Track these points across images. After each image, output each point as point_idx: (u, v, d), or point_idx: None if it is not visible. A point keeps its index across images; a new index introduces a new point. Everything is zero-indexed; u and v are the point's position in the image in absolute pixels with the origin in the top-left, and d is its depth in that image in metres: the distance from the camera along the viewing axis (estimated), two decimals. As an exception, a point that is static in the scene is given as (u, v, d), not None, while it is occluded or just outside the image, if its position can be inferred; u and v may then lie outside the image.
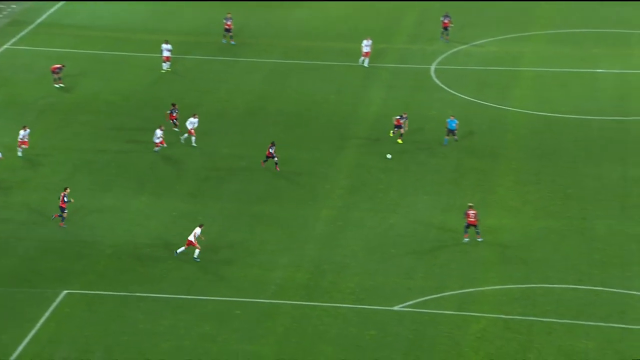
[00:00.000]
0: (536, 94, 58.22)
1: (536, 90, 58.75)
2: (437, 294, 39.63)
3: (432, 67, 62.12)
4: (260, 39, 66.85)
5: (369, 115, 56.09)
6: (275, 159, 49.05)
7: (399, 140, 51.36)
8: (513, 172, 49.65)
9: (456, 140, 51.92)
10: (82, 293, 40.09)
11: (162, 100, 58.14)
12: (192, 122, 52.06)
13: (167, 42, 61.80)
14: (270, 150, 49.11)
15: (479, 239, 42.77)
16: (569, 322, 37.62)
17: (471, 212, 42.82)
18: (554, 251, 42.63)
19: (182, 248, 42.12)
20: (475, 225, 42.80)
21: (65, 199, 44.19)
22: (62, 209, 44.36)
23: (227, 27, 65.38)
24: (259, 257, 42.72)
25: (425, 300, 39.27)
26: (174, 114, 52.98)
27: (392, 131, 51.56)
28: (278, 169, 49.03)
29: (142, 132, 53.81)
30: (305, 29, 68.91)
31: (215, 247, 43.42)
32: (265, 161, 49.44)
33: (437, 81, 60.29)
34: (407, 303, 39.07)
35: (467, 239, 42.81)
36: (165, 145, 51.01)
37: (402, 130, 51.46)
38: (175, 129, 52.64)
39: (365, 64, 61.57)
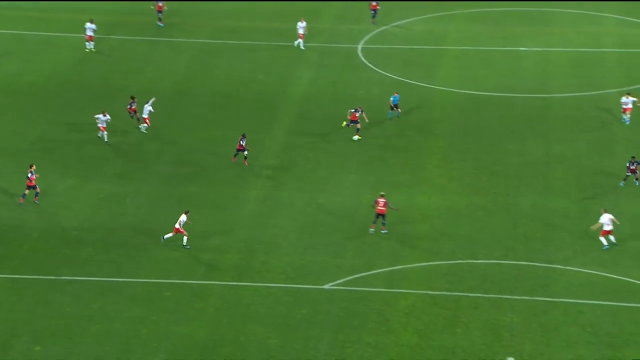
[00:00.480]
0: (461, 72, 58.80)
1: (461, 69, 59.33)
2: (366, 271, 39.84)
3: (359, 47, 62.21)
4: (187, 19, 66.04)
5: (298, 95, 55.97)
6: (245, 152, 47.39)
7: (358, 137, 49.74)
8: (440, 149, 50.13)
9: (390, 119, 51.90)
10: (8, 277, 39.27)
11: (86, 81, 57.11)
12: (147, 109, 50.22)
13: (92, 22, 60.61)
14: (241, 142, 47.29)
15: (383, 231, 41.96)
16: (494, 296, 38.22)
17: (381, 200, 41.92)
18: (480, 227, 43.22)
19: (170, 234, 41.42)
20: (383, 215, 41.99)
21: (30, 175, 43.71)
22: (33, 187, 43.88)
23: (158, 8, 64.37)
24: (189, 239, 42.39)
25: (355, 278, 39.47)
26: (134, 107, 50.94)
27: (345, 123, 49.82)
28: (246, 163, 47.50)
29: (67, 114, 52.80)
30: (233, 8, 68.30)
31: (144, 228, 42.92)
32: (235, 155, 47.62)
33: (364, 60, 60.42)
34: (337, 281, 39.21)
35: (372, 230, 41.92)
36: (105, 132, 49.59)
37: (358, 125, 49.59)
38: (141, 127, 50.38)
39: (301, 46, 61.30)
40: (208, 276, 39.80)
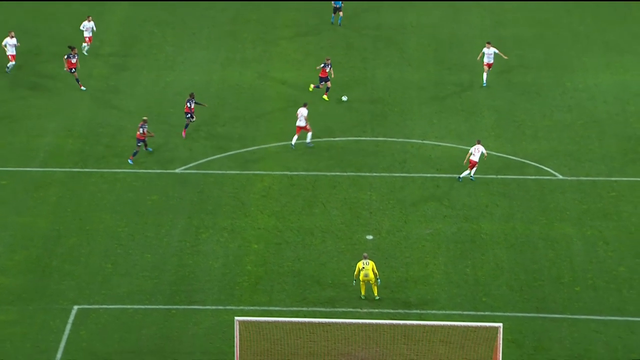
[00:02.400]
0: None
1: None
2: (220, 153, 39.32)
3: None
4: None
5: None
6: (193, 119, 39.42)
7: (325, 97, 42.58)
8: (293, 23, 49.36)
9: (332, 24, 48.24)
10: None
11: None
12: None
13: None
14: (189, 104, 39.37)
15: (130, 161, 37.92)
16: (353, 174, 38.51)
17: (141, 127, 38.00)
18: (336, 103, 43.12)
19: (295, 137, 38.60)
20: (142, 140, 38.27)
21: None
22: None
23: None
24: (24, 123, 40.62)
25: (209, 160, 38.93)
26: (73, 61, 41.81)
27: (313, 85, 42.69)
28: (185, 133, 39.60)
29: None
30: None
31: (-26, 114, 40.94)
32: (186, 125, 39.70)
33: None
34: (190, 165, 38.62)
35: (131, 161, 38.07)
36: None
37: (328, 84, 42.37)
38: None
39: None
40: (48, 163, 38.45)
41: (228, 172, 38.25)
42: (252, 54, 46.38)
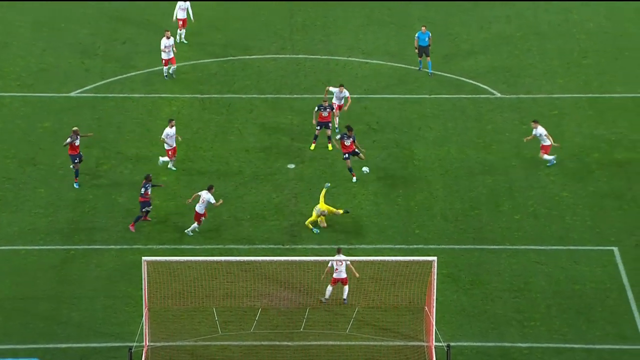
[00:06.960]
0: None
1: None
2: (121, 74, 38.86)
3: None
4: None
5: None
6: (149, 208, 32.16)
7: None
8: None
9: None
10: None
11: None
12: None
13: None
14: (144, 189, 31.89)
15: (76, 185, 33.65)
16: (271, 96, 38.23)
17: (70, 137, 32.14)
18: (253, 17, 42.61)
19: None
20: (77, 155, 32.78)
21: None
22: None
23: None
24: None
25: (108, 82, 38.45)
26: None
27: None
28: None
29: None
30: None
31: None
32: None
33: None
34: (86, 87, 38.22)
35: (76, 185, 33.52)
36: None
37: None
38: None
39: None
40: None
41: (131, 95, 37.76)
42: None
